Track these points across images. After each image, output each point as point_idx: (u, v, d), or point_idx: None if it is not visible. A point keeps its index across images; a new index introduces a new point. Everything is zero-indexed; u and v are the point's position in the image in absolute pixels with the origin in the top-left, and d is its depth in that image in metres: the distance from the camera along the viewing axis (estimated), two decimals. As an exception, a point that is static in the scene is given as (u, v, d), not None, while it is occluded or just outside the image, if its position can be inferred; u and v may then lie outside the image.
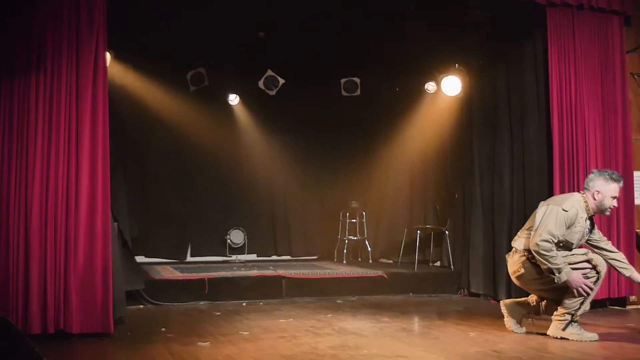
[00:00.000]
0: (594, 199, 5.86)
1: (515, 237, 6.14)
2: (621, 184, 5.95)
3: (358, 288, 8.92)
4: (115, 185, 8.56)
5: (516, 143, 8.35)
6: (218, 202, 11.75)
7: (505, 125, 8.56)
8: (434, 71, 10.03)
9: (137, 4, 7.77)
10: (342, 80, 11.06)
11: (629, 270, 6.08)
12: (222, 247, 11.63)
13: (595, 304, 7.50)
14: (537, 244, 5.70)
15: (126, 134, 10.38)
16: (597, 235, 6.12)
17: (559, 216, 5.74)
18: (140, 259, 9.96)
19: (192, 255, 11.57)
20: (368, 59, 10.28)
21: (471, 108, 9.47)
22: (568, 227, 5.78)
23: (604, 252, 6.08)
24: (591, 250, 6.11)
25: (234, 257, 11.49)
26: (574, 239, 5.83)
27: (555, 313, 5.94)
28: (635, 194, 7.94)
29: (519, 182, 8.25)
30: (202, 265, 10.41)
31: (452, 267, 9.69)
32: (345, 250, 11.54)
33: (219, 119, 11.49)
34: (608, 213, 5.97)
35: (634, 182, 7.93)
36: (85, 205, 5.87)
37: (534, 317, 6.26)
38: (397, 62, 10.14)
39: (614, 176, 5.87)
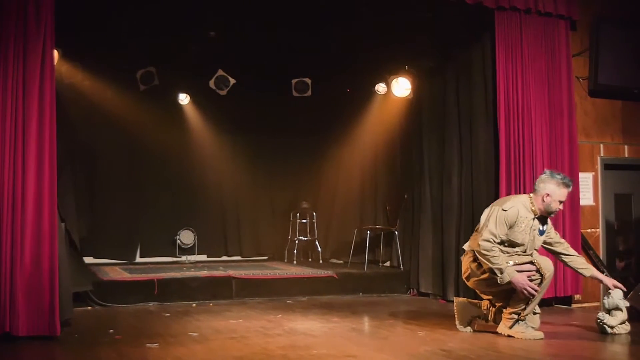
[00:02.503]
0: (543, 201, 5.95)
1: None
2: (571, 189, 6.06)
3: (308, 288, 8.93)
4: (62, 185, 8.44)
5: (465, 145, 8.44)
6: (168, 202, 11.65)
7: (454, 127, 8.65)
8: (385, 72, 10.09)
9: (86, 0, 7.68)
10: (293, 81, 11.07)
11: (589, 270, 6.23)
12: (172, 248, 11.53)
13: (541, 303, 7.59)
14: (478, 244, 5.81)
15: (75, 133, 10.23)
16: (555, 238, 6.23)
17: (499, 216, 5.85)
18: (88, 259, 9.83)
19: (141, 256, 11.43)
20: (319, 59, 10.30)
21: (421, 110, 9.55)
22: (510, 227, 5.87)
23: (562, 256, 6.21)
24: (549, 253, 6.23)
25: (183, 258, 11.41)
26: (519, 238, 5.91)
27: (504, 311, 6.04)
28: (581, 195, 8.11)
29: (467, 184, 8.35)
30: (151, 266, 10.32)
31: (401, 267, 9.75)
32: (295, 251, 11.55)
33: (169, 118, 11.39)
34: (553, 215, 6.09)
35: (579, 183, 8.09)
36: (31, 206, 5.77)
37: (482, 322, 6.31)
38: (348, 63, 10.19)
39: (565, 181, 5.96)
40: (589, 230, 8.33)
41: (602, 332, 6.14)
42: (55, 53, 6.67)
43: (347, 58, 9.99)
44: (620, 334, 6.09)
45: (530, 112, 7.74)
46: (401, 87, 9.88)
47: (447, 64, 8.88)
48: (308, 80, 11.06)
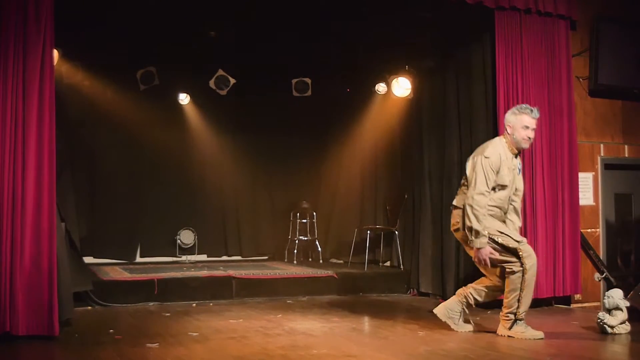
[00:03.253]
0: (509, 134, 6.07)
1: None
2: (534, 114, 6.07)
3: (308, 288, 8.94)
4: (62, 185, 8.47)
5: (465, 145, 8.43)
6: (168, 202, 11.65)
7: (455, 127, 8.65)
8: (385, 72, 10.10)
9: (85, 0, 7.68)
10: (294, 81, 11.07)
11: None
12: (172, 248, 11.53)
13: (541, 303, 7.65)
14: (472, 198, 5.88)
15: (75, 133, 10.27)
16: (519, 189, 6.22)
17: (485, 165, 5.94)
18: (88, 259, 9.82)
19: (141, 256, 11.43)
20: (319, 59, 10.30)
21: (421, 110, 9.55)
22: (497, 172, 5.95)
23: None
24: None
25: (184, 258, 11.41)
26: (506, 180, 5.99)
27: (501, 313, 6.07)
28: (581, 195, 8.10)
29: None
30: (151, 266, 10.31)
31: (401, 267, 9.76)
32: (295, 251, 11.55)
33: (170, 118, 11.39)
34: (525, 145, 6.11)
35: (579, 183, 8.09)
36: (31, 205, 5.77)
37: (468, 311, 6.37)
38: (348, 63, 10.19)
39: (520, 108, 6.09)
40: (589, 230, 8.33)
41: (602, 332, 6.15)
42: (55, 53, 6.68)
43: (347, 58, 10.00)
44: (620, 334, 6.09)
45: (530, 112, 7.73)
46: (401, 87, 9.89)
47: (447, 64, 8.88)
48: (308, 80, 11.06)
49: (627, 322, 6.16)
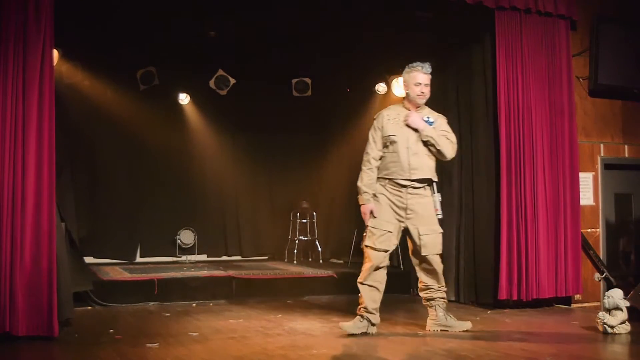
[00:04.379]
0: (406, 92, 6.30)
1: None
2: (425, 70, 6.24)
3: (308, 288, 8.93)
4: (62, 184, 8.47)
5: (465, 145, 8.42)
6: (168, 202, 11.65)
7: (455, 127, 8.56)
8: (385, 72, 10.10)
9: (85, 0, 7.67)
10: (294, 81, 11.09)
11: None
12: (172, 248, 11.54)
13: (542, 303, 7.65)
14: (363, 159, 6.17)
15: (75, 133, 10.27)
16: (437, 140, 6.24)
17: (371, 129, 6.24)
18: (88, 259, 9.81)
19: (141, 256, 11.45)
20: (319, 59, 10.30)
21: (421, 110, 9.53)
22: (382, 129, 6.16)
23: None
24: None
25: (184, 258, 11.41)
26: (389, 131, 6.13)
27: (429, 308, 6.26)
28: (581, 195, 8.09)
29: (468, 184, 8.35)
30: (151, 265, 10.32)
31: (401, 266, 9.73)
32: (295, 251, 11.55)
33: (170, 118, 11.40)
34: (420, 101, 6.30)
35: (580, 183, 8.08)
36: (31, 205, 5.76)
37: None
38: (348, 63, 10.19)
39: (412, 66, 6.24)
40: (589, 230, 8.33)
41: (602, 332, 6.14)
42: (55, 53, 6.68)
43: (347, 58, 9.99)
44: (621, 334, 6.09)
45: (531, 112, 7.73)
46: (401, 86, 9.87)
47: (447, 64, 8.86)
48: (308, 80, 11.07)
49: (627, 322, 6.16)
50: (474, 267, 8.14)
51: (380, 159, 6.14)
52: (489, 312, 7.45)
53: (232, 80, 10.63)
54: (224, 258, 11.99)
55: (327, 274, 9.20)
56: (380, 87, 10.47)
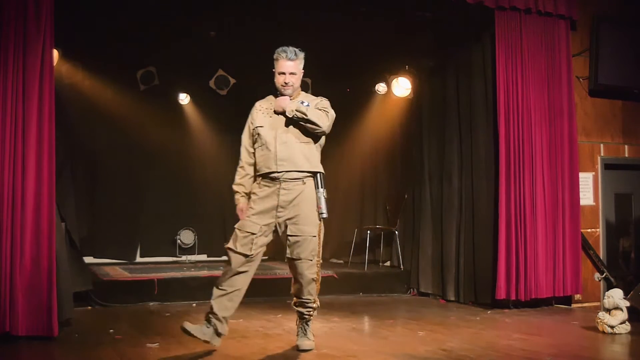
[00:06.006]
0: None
1: None
2: (289, 56, 5.71)
3: (308, 288, 8.91)
4: (62, 184, 8.46)
5: (465, 145, 8.44)
6: (168, 202, 11.64)
7: (455, 127, 8.66)
8: (385, 72, 10.09)
9: (86, 0, 7.67)
10: (294, 81, 11.05)
11: None
12: (172, 248, 11.53)
13: (541, 303, 7.66)
14: None
15: (75, 133, 10.26)
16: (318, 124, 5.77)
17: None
18: (88, 259, 9.80)
19: (141, 256, 11.44)
20: (319, 59, 10.27)
21: (421, 110, 9.55)
22: (252, 123, 5.75)
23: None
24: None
25: (184, 258, 11.41)
26: (257, 122, 5.73)
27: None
28: (581, 195, 8.10)
29: (468, 184, 8.36)
30: (151, 265, 10.32)
31: (401, 267, 9.75)
32: (296, 251, 11.52)
33: (170, 118, 11.38)
34: (286, 92, 5.71)
35: (580, 183, 8.08)
36: (31, 205, 5.76)
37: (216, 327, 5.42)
38: (348, 63, 10.18)
39: (277, 52, 5.75)
40: (589, 230, 8.33)
41: (602, 332, 6.15)
42: (55, 53, 6.67)
43: (347, 58, 9.99)
44: (620, 334, 6.09)
45: (530, 111, 7.73)
46: (401, 87, 9.90)
47: (447, 64, 8.88)
48: (308, 80, 11.04)
49: (627, 322, 6.16)
50: (473, 267, 8.14)
51: (254, 154, 5.66)
52: (488, 312, 7.45)
53: (232, 80, 10.63)
54: (224, 258, 11.90)
55: (327, 274, 9.15)
56: (380, 87, 10.46)
